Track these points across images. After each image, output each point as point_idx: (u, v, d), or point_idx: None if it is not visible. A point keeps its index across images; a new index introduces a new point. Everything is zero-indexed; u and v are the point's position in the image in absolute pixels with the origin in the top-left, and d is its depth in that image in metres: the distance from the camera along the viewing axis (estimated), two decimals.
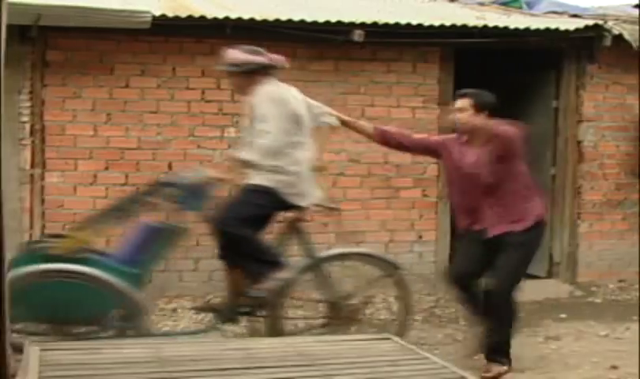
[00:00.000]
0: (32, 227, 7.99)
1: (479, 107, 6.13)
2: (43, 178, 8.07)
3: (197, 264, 8.36)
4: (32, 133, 8.01)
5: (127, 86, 8.26)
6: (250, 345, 3.47)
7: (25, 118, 7.97)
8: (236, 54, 6.06)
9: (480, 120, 6.09)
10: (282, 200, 5.89)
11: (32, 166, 8.01)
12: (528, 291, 9.14)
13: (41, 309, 5.12)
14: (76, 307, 5.31)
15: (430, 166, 9.06)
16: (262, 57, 6.09)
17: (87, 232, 5.57)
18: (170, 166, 8.26)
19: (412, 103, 9.03)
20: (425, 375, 2.92)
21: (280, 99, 5.89)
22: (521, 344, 6.98)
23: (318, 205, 6.24)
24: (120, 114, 8.24)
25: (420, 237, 9.14)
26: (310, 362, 2.95)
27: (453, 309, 8.37)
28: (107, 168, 8.20)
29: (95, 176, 8.18)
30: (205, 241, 7.67)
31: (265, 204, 5.85)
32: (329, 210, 6.29)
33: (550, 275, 9.77)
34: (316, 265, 6.19)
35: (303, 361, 2.98)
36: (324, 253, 6.38)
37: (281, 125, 5.80)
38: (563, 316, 8.21)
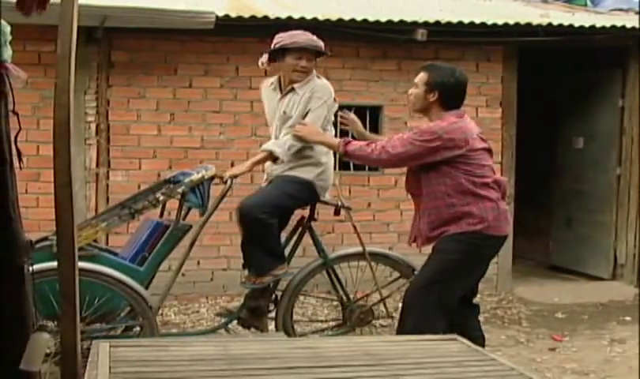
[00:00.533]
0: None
1: (431, 86, 5.14)
2: (108, 177, 8.19)
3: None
4: (97, 132, 8.14)
5: (191, 86, 8.34)
6: (318, 344, 3.47)
7: (91, 118, 8.10)
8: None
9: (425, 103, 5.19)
10: (316, 194, 5.81)
11: (98, 165, 8.14)
12: (593, 293, 9.07)
13: (49, 307, 5.09)
14: (83, 304, 5.17)
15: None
16: None
17: (94, 229, 5.58)
18: (233, 166, 8.31)
19: (475, 103, 8.95)
20: (492, 376, 2.89)
21: (325, 87, 5.81)
22: (585, 347, 6.91)
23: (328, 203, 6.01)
24: (183, 113, 8.33)
25: None
26: (377, 362, 2.95)
27: (515, 310, 8.31)
28: (170, 167, 8.27)
29: (158, 175, 8.23)
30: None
31: (301, 197, 5.77)
32: (342, 208, 6.09)
33: (614, 277, 9.63)
34: (328, 264, 6.03)
35: (370, 360, 2.97)
36: (335, 253, 6.27)
37: (323, 114, 5.74)
38: (628, 318, 8.07)
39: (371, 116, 8.82)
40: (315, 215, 6.01)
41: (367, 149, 5.16)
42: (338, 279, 6.15)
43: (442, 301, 5.02)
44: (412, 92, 5.24)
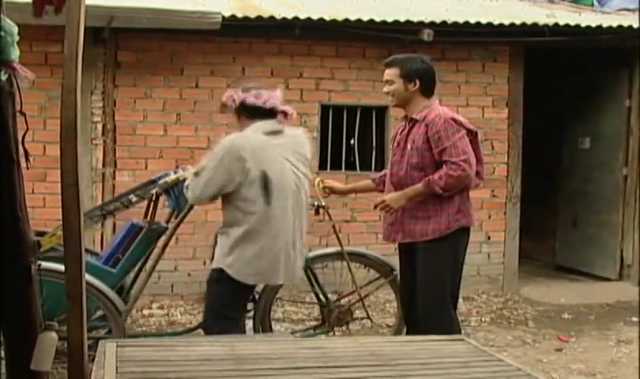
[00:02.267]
0: (102, 225, 8.10)
1: (409, 76, 5.19)
2: (114, 177, 8.21)
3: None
4: (103, 132, 8.16)
5: (197, 86, 8.35)
6: (324, 344, 3.47)
7: (97, 118, 8.12)
8: None
9: (410, 93, 5.23)
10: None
11: (104, 165, 8.16)
12: (599, 294, 9.06)
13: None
14: (51, 305, 5.26)
15: (499, 167, 9.01)
16: None
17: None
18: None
19: (481, 103, 8.96)
20: (499, 377, 2.89)
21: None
22: (591, 347, 6.91)
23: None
24: (190, 114, 8.34)
25: (489, 237, 9.06)
26: (384, 362, 2.95)
27: (521, 311, 8.31)
28: (177, 167, 8.26)
29: None
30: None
31: None
32: (321, 208, 6.06)
33: (621, 277, 9.62)
34: (306, 265, 5.84)
35: (377, 361, 2.97)
36: (313, 253, 6.18)
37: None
38: (635, 319, 8.05)
39: (377, 116, 8.82)
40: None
41: (452, 173, 5.01)
42: (316, 279, 6.13)
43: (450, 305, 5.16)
44: (389, 89, 5.27)
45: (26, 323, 3.16)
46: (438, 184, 4.98)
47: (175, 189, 5.60)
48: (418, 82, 5.18)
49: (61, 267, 5.13)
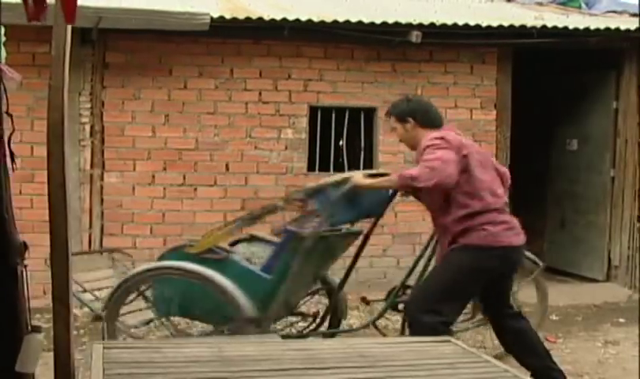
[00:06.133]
0: (91, 226, 8.10)
1: (402, 118, 5.34)
2: (102, 179, 8.18)
3: None
4: (91, 133, 8.13)
5: (185, 87, 8.34)
6: (312, 346, 3.48)
7: (85, 119, 8.09)
8: None
9: (411, 132, 5.33)
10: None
11: (92, 166, 8.13)
12: (587, 295, 9.08)
13: (164, 301, 5.53)
14: (194, 305, 5.55)
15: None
16: None
17: (220, 233, 5.63)
18: (227, 167, 8.33)
19: (469, 105, 8.97)
20: (486, 378, 2.89)
21: None
22: (579, 348, 6.92)
23: None
24: (178, 115, 8.32)
25: None
26: (371, 364, 2.95)
27: None
28: (165, 169, 8.28)
29: (153, 176, 8.26)
30: None
31: None
32: None
33: (608, 278, 9.65)
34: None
35: (364, 362, 2.98)
36: None
37: None
38: (622, 320, 8.08)
39: (365, 118, 8.83)
40: None
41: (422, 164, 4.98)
42: None
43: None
44: (398, 137, 5.45)
45: (11, 324, 3.14)
46: (410, 173, 4.96)
47: (326, 195, 5.43)
48: (412, 120, 5.28)
49: (195, 266, 5.34)
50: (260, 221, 5.85)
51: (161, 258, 5.94)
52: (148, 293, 5.84)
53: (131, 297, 5.78)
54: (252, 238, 6.02)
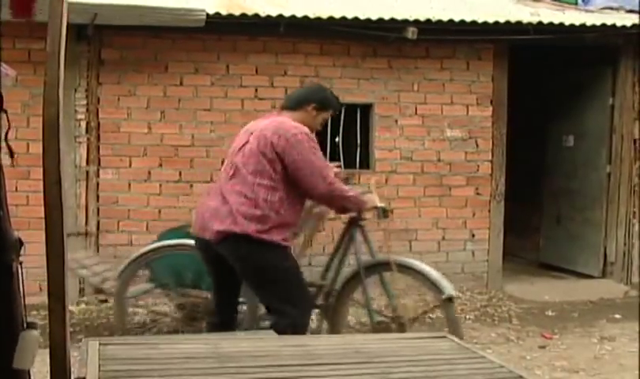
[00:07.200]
0: (87, 223, 8.09)
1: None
2: (98, 175, 8.18)
3: None
4: (87, 130, 8.13)
5: (181, 84, 8.33)
6: (308, 342, 3.46)
7: (81, 116, 8.09)
8: None
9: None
10: None
11: (88, 163, 8.13)
12: (583, 291, 9.10)
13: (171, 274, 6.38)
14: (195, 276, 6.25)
15: (483, 165, 9.04)
16: None
17: None
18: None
19: (465, 101, 8.98)
20: (482, 374, 2.88)
21: None
22: (575, 344, 6.93)
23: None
24: (174, 111, 8.32)
25: (473, 235, 9.08)
26: (368, 360, 2.94)
27: (505, 308, 8.33)
28: (160, 165, 8.27)
29: (149, 173, 8.25)
30: None
31: None
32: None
33: (604, 274, 9.67)
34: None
35: (361, 358, 2.97)
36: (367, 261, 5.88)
37: None
38: (618, 316, 8.10)
39: (362, 114, 8.82)
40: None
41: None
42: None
43: None
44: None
45: (7, 321, 3.13)
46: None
47: None
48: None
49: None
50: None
51: (162, 237, 6.76)
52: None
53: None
54: None
